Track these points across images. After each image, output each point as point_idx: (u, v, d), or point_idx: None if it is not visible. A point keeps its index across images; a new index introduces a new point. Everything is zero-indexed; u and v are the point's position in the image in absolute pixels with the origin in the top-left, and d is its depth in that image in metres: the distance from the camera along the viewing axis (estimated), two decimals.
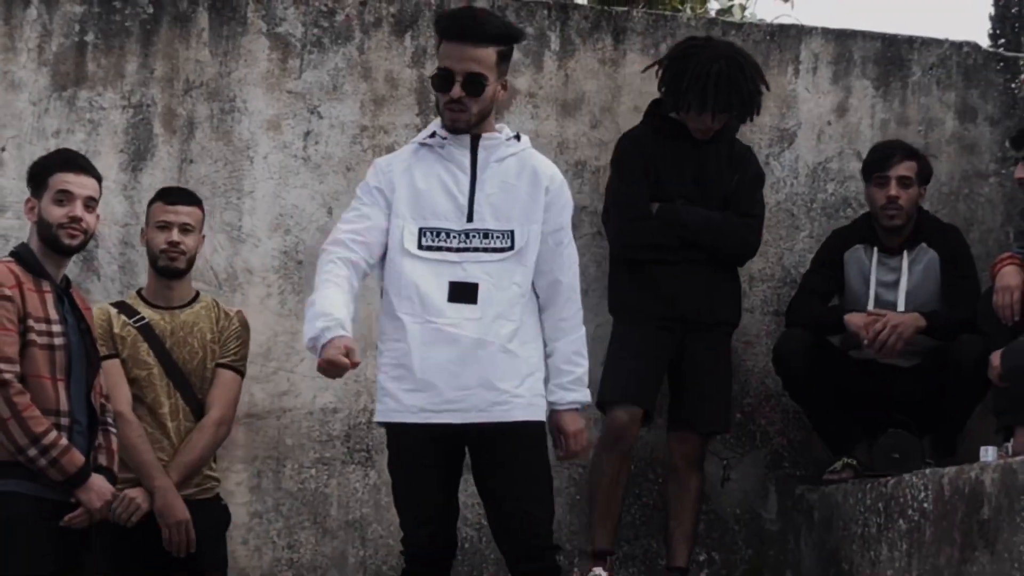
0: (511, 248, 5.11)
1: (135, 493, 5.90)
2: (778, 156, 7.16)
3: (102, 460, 5.60)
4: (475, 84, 5.07)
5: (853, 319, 6.60)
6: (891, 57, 7.30)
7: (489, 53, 5.10)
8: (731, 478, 7.02)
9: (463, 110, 5.09)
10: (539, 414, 5.15)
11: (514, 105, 6.96)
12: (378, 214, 5.12)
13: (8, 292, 5.43)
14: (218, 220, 6.74)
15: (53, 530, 5.49)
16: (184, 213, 6.14)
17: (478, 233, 5.08)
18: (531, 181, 5.18)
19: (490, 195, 5.12)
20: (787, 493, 7.01)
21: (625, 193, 6.58)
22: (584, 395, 5.25)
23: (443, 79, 5.10)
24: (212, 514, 6.15)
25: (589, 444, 5.35)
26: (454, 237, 5.08)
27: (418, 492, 5.10)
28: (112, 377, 5.98)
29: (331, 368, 4.92)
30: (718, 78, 6.46)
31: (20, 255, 5.57)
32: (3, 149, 6.61)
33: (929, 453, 6.57)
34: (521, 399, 5.06)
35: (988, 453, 6.05)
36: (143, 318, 6.11)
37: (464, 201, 5.11)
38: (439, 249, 5.07)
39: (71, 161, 5.69)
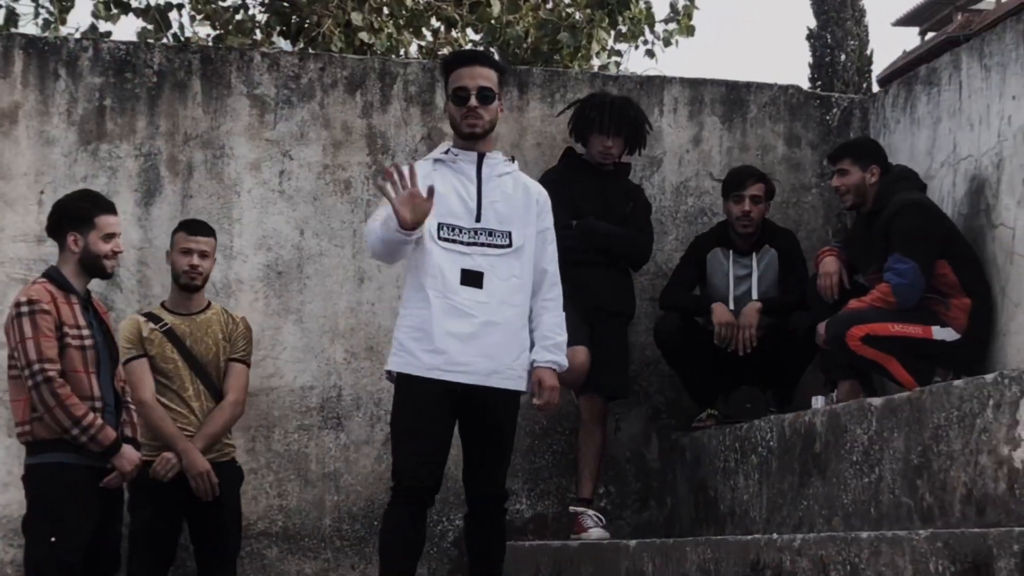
0: (509, 246, 5.09)
1: (170, 455, 5.96)
2: (650, 177, 7.16)
3: (128, 432, 5.61)
4: (486, 95, 5.09)
5: (717, 312, 6.59)
6: (733, 98, 7.32)
7: (492, 74, 5.15)
8: (621, 428, 7.02)
9: (479, 118, 5.10)
10: (523, 385, 5.13)
11: (447, 139, 6.90)
12: None
13: (46, 307, 5.42)
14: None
15: (95, 490, 5.48)
16: (203, 242, 6.19)
17: (484, 231, 5.06)
18: (524, 194, 5.19)
19: (494, 202, 5.11)
20: (665, 438, 7.01)
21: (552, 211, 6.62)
22: (562, 359, 5.19)
23: (461, 96, 5.10)
24: (229, 472, 6.17)
25: (559, 402, 5.25)
26: (466, 233, 5.05)
27: (423, 434, 4.99)
28: (139, 373, 6.04)
29: (414, 200, 4.86)
30: (611, 106, 6.61)
31: (51, 276, 5.56)
32: (42, 192, 6.55)
33: (772, 403, 6.60)
34: (513, 371, 5.06)
35: (818, 402, 6.10)
36: (166, 324, 6.13)
37: (473, 205, 5.08)
38: (453, 241, 5.03)
39: (108, 204, 5.70)
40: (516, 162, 5.32)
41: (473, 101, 5.07)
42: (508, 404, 5.08)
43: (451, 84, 5.14)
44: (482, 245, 5.05)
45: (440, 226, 5.03)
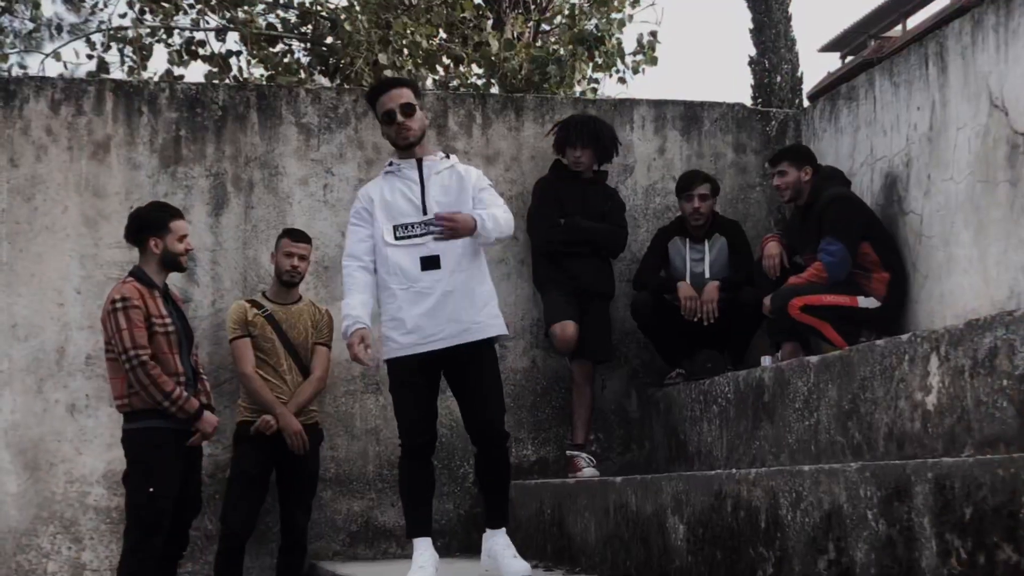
0: None
1: (270, 417, 6.04)
2: (624, 181, 7.15)
3: (203, 399, 5.61)
4: (408, 108, 4.95)
5: (682, 289, 6.57)
6: (690, 115, 7.30)
7: (407, 91, 5.00)
8: (607, 386, 7.02)
9: (408, 129, 4.94)
10: (492, 331, 4.91)
11: (459, 155, 6.84)
12: (367, 227, 4.95)
13: (136, 303, 5.43)
14: (273, 244, 6.65)
15: (181, 450, 5.49)
16: (303, 248, 6.27)
17: (432, 221, 4.86)
18: (459, 180, 5.00)
19: (435, 195, 4.94)
20: (643, 394, 7.01)
21: (543, 212, 6.64)
22: (485, 230, 4.83)
23: (389, 117, 4.95)
24: (313, 433, 6.25)
25: (453, 228, 4.80)
26: (417, 227, 4.89)
27: (410, 401, 4.89)
28: (243, 350, 6.13)
29: (354, 358, 4.79)
30: (579, 125, 6.66)
31: (137, 275, 5.56)
32: (132, 208, 6.52)
33: (728, 363, 6.59)
34: (477, 325, 4.87)
35: (766, 361, 6.09)
36: (267, 310, 6.16)
37: (419, 202, 4.93)
38: (409, 237, 4.88)
39: (178, 212, 5.72)
40: (453, 156, 5.15)
41: (399, 117, 4.93)
42: (482, 353, 4.90)
43: (379, 111, 4.99)
44: (432, 232, 4.85)
45: (395, 228, 4.89)
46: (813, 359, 5.08)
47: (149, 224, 5.61)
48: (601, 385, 6.96)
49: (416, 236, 4.87)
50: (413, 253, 4.85)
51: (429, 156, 5.03)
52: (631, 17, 12.17)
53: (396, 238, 4.86)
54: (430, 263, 4.84)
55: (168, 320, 5.49)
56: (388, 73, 10.94)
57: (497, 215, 4.89)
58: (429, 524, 4.94)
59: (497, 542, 4.96)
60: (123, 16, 11.69)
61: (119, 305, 5.41)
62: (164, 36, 11.94)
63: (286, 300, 6.25)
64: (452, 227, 4.78)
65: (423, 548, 4.89)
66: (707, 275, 6.66)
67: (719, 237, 6.75)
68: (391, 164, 5.03)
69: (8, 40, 13.70)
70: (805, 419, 5.06)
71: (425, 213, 4.88)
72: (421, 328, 4.83)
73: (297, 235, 6.28)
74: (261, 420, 6.02)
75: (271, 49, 12.03)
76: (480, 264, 4.98)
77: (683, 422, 6.31)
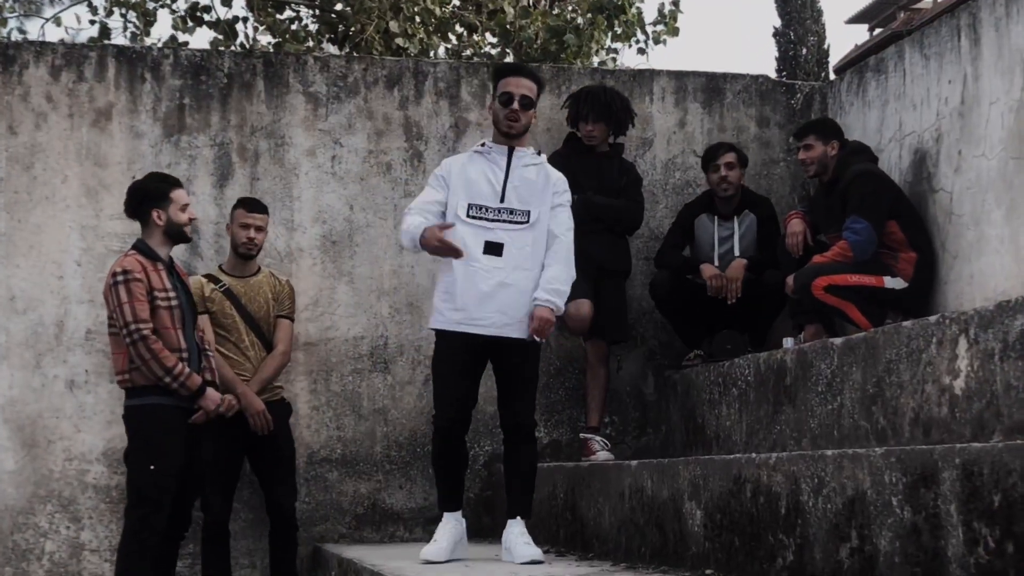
0: (527, 222, 5.10)
1: (229, 397, 5.93)
2: (643, 156, 7.14)
3: (208, 377, 5.61)
4: (528, 102, 5.16)
5: (706, 269, 6.58)
6: (712, 87, 7.28)
7: (534, 86, 5.20)
8: (623, 367, 7.02)
9: (516, 120, 5.14)
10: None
11: (468, 131, 6.92)
12: (440, 194, 5.13)
13: (138, 276, 5.44)
14: (278, 216, 6.70)
15: (184, 427, 5.50)
16: (258, 218, 6.21)
17: (506, 210, 5.09)
18: (545, 180, 5.19)
19: (516, 187, 5.12)
20: (660, 375, 7.01)
21: None
22: (558, 301, 5.09)
23: (507, 99, 5.14)
24: (280, 409, 6.22)
25: (548, 331, 5.11)
26: (491, 211, 5.08)
27: (450, 378, 5.07)
28: (202, 327, 6.03)
29: (442, 246, 4.94)
30: (591, 97, 6.62)
31: (140, 248, 5.57)
32: (134, 178, 6.55)
33: (749, 345, 6.59)
34: (524, 324, 5.06)
35: (788, 343, 6.08)
36: (225, 284, 6.15)
37: (499, 189, 5.11)
38: (480, 219, 5.07)
39: (177, 181, 5.71)
40: (543, 155, 5.32)
41: (515, 104, 5.13)
42: (524, 350, 5.09)
43: (499, 88, 5.18)
44: (504, 222, 5.07)
45: (470, 206, 5.07)
46: (837, 341, 5.07)
47: (150, 195, 5.61)
48: (616, 366, 6.96)
49: (487, 219, 5.07)
50: (480, 235, 5.05)
51: (522, 148, 5.21)
52: None
53: (468, 216, 5.06)
54: (493, 248, 5.04)
55: (172, 294, 5.50)
56: (399, 41, 10.93)
57: (561, 275, 5.07)
58: (458, 499, 5.15)
59: (513, 531, 5.04)
60: None
61: (120, 278, 5.42)
62: (168, 1, 11.94)
63: (244, 273, 6.22)
64: (546, 330, 5.04)
65: (446, 520, 5.09)
66: (737, 253, 6.66)
67: (748, 213, 6.75)
68: (483, 144, 5.22)
69: (7, 4, 13.70)
70: (828, 403, 5.06)
71: (502, 201, 5.09)
72: (469, 308, 5.03)
73: (252, 205, 6.24)
74: (223, 401, 5.96)
75: (278, 16, 12.02)
76: (539, 269, 5.13)
77: (701, 405, 6.31)
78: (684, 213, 6.85)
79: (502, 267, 5.04)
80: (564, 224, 5.19)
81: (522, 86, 5.15)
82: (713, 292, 6.52)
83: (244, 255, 6.19)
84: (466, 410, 5.12)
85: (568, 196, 5.28)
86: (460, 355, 5.06)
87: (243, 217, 6.18)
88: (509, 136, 5.17)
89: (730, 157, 6.69)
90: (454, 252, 4.98)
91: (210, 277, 6.19)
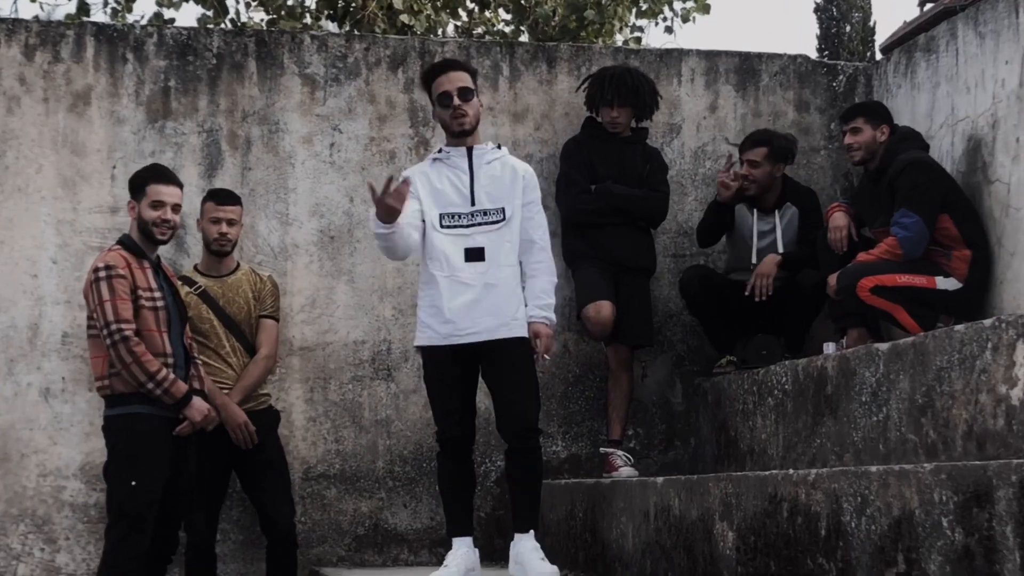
0: (503, 219, 5.25)
1: (209, 412, 5.94)
2: (670, 143, 7.15)
3: (196, 385, 5.62)
4: (467, 93, 5.29)
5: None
6: (746, 68, 7.28)
7: (467, 76, 5.35)
8: (648, 375, 7.02)
9: (464, 115, 5.29)
10: (526, 331, 5.25)
11: (482, 112, 6.91)
12: (415, 200, 5.21)
13: (122, 272, 5.45)
14: (272, 210, 6.72)
15: (168, 438, 5.51)
16: (230, 211, 6.21)
17: (480, 212, 5.23)
18: (511, 174, 5.33)
19: (484, 186, 5.27)
20: (688, 383, 7.01)
21: (572, 177, 6.64)
22: (552, 316, 5.29)
23: (445, 99, 5.28)
24: (267, 418, 6.23)
25: (554, 346, 5.34)
26: (464, 217, 5.23)
27: (446, 394, 5.21)
28: None
29: (389, 198, 4.90)
30: (614, 79, 6.64)
31: (125, 243, 5.58)
32: (114, 167, 6.58)
33: (786, 350, 6.58)
34: (517, 322, 5.20)
35: (829, 348, 6.07)
36: (200, 286, 6.15)
37: (467, 192, 5.25)
38: (455, 227, 5.22)
39: (162, 174, 5.72)
40: (503, 148, 5.46)
41: (456, 101, 5.27)
42: (518, 349, 5.20)
43: (434, 92, 5.33)
44: (480, 224, 5.23)
45: (441, 216, 5.22)
46: (883, 346, 5.06)
47: (131, 185, 5.68)
48: (641, 373, 6.96)
49: (462, 227, 5.22)
50: (458, 243, 5.21)
51: (479, 145, 5.37)
52: None
53: (442, 226, 5.21)
54: (474, 255, 5.20)
55: (158, 295, 5.51)
56: (404, 18, 10.95)
57: (547, 287, 5.28)
58: (468, 523, 5.22)
59: (524, 546, 5.09)
60: None
61: (102, 274, 5.44)
62: None
63: (220, 272, 6.21)
64: (552, 345, 5.26)
65: (457, 547, 5.16)
66: (780, 250, 6.68)
67: (791, 207, 6.76)
68: (440, 151, 5.37)
69: None
70: (873, 414, 5.05)
71: (473, 204, 5.25)
72: (459, 319, 5.16)
73: (223, 196, 6.22)
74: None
75: None
76: (518, 261, 5.33)
77: (734, 416, 6.31)
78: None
79: (485, 271, 5.20)
80: (540, 226, 5.36)
81: (455, 80, 5.29)
82: (748, 293, 6.53)
83: (217, 252, 6.19)
84: (468, 423, 5.26)
85: (538, 191, 5.40)
86: (450, 368, 5.19)
87: (213, 211, 6.17)
88: (463, 134, 5.31)
89: (754, 154, 6.69)
90: (399, 199, 4.94)
91: (184, 279, 6.17)
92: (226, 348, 6.12)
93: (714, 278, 6.71)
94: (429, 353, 5.26)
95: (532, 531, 5.12)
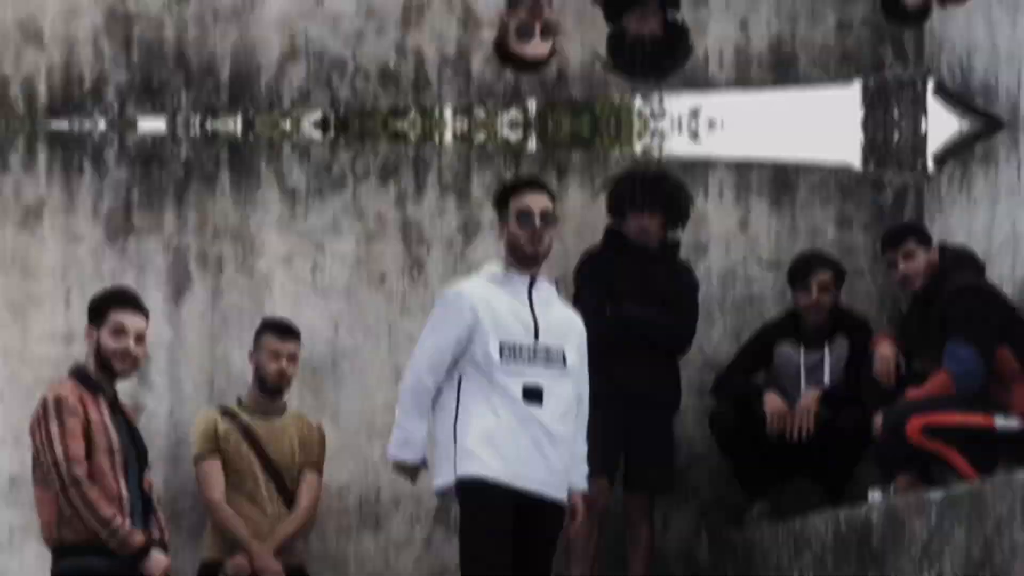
0: (564, 365, 5.29)
1: (240, 559, 6.04)
2: (695, 264, 7.09)
3: (156, 534, 5.58)
4: (548, 219, 5.32)
5: (770, 401, 6.63)
6: (781, 180, 7.29)
7: (551, 201, 5.42)
8: (670, 526, 6.97)
9: (541, 241, 5.31)
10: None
11: (483, 230, 6.97)
12: (460, 331, 5.22)
13: (73, 406, 5.45)
14: (246, 339, 6.68)
15: None
16: (291, 346, 6.32)
17: (543, 349, 5.25)
18: (568, 322, 5.41)
19: (546, 323, 5.29)
20: (716, 534, 6.97)
21: (586, 298, 6.56)
22: (587, 487, 5.42)
23: (526, 218, 5.30)
24: None
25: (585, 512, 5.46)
26: (525, 351, 5.24)
27: (496, 547, 5.12)
28: (212, 472, 6.18)
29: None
30: (646, 181, 6.75)
31: (78, 374, 5.57)
32: (69, 290, 6.62)
33: (825, 496, 6.58)
34: (563, 484, 5.26)
35: (875, 495, 6.04)
36: (244, 423, 6.22)
37: (530, 323, 5.27)
38: (515, 361, 5.22)
39: (126, 300, 5.68)
40: (559, 287, 5.56)
41: (537, 222, 5.29)
42: (555, 518, 5.26)
43: (512, 207, 5.34)
44: (540, 363, 5.25)
45: (503, 346, 5.22)
46: (935, 494, 5.06)
47: (90, 309, 5.66)
48: (661, 523, 6.93)
49: (523, 362, 5.24)
50: (515, 379, 5.21)
51: (541, 277, 5.41)
52: None
53: (502, 356, 5.21)
54: (532, 395, 5.21)
55: (113, 434, 5.50)
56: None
57: (584, 453, 5.40)
58: None
59: None
60: None
61: (52, 409, 5.43)
62: None
63: (268, 411, 6.31)
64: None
65: None
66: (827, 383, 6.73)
67: (842, 339, 6.78)
68: (495, 272, 5.36)
69: None
70: (924, 570, 5.05)
71: (537, 338, 5.24)
72: (518, 460, 5.15)
73: (283, 330, 6.32)
74: (229, 564, 6.02)
75: None
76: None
77: (768, 572, 6.29)
78: (762, 335, 6.89)
79: (546, 417, 5.20)
80: (586, 381, 5.41)
81: (540, 202, 5.33)
82: (772, 430, 6.55)
83: (273, 390, 6.28)
84: None
85: (586, 351, 5.43)
86: (505, 516, 5.13)
87: (273, 345, 6.28)
88: (532, 262, 5.32)
89: (825, 276, 6.74)
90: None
91: (226, 412, 6.26)
92: (263, 494, 6.18)
93: (756, 407, 6.67)
94: (482, 492, 5.15)
95: None
